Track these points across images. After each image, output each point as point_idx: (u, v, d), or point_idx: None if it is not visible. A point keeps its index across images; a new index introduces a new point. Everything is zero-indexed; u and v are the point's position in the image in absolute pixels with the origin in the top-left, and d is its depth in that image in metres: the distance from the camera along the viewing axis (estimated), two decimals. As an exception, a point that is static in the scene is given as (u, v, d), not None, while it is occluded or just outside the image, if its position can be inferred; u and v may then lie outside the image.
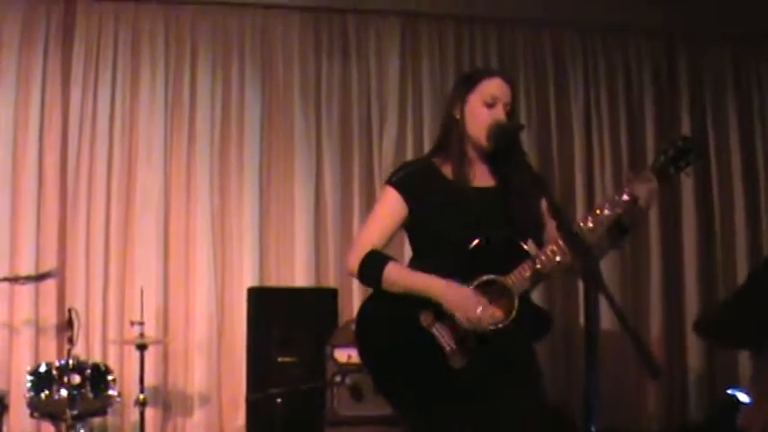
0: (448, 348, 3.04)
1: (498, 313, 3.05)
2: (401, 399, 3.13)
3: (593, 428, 2.58)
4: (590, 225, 3.00)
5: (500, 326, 3.03)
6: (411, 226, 3.25)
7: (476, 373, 3.04)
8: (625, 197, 3.00)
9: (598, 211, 3.02)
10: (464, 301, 3.01)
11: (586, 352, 2.58)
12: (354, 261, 3.18)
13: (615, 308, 2.47)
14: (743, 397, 5.34)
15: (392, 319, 3.14)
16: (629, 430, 6.84)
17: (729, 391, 5.87)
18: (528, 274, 3.04)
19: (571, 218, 3.03)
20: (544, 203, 3.21)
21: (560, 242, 3.00)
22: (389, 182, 3.27)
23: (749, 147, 7.63)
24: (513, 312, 3.04)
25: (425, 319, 3.07)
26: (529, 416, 3.15)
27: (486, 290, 3.06)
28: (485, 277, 3.06)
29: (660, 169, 3.01)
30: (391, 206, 3.23)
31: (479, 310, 2.99)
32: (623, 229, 3.05)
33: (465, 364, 3.03)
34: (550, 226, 3.16)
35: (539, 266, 3.03)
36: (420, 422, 3.19)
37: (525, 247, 3.11)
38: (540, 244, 3.18)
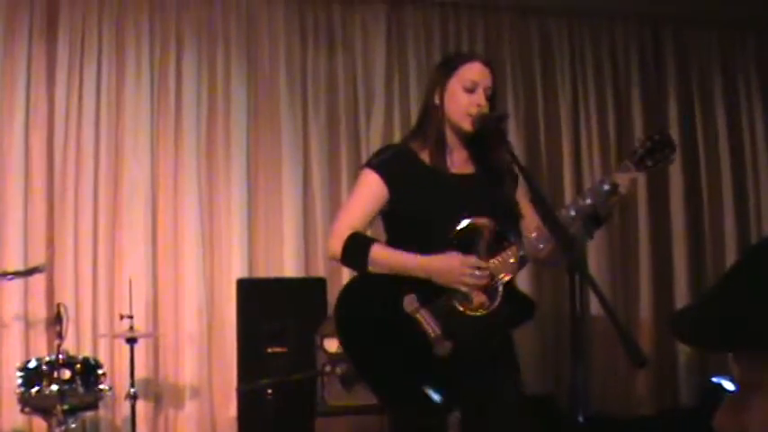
0: (432, 335, 3.04)
1: (482, 299, 3.05)
2: (384, 387, 3.12)
3: (580, 417, 2.58)
4: (572, 214, 3.00)
5: (485, 312, 3.03)
6: (389, 211, 3.23)
7: (459, 359, 3.04)
8: (606, 186, 3.01)
9: (581, 200, 3.03)
10: (457, 265, 3.00)
11: (572, 341, 2.58)
12: (337, 244, 3.16)
13: (600, 297, 2.48)
14: (728, 385, 5.35)
15: (373, 305, 3.13)
16: (618, 416, 6.85)
17: (714, 380, 5.89)
18: (512, 260, 3.04)
19: (554, 206, 3.03)
20: (520, 192, 3.22)
21: (540, 230, 3.01)
22: (370, 165, 3.25)
23: (736, 132, 7.65)
24: (498, 299, 3.04)
25: (409, 304, 3.06)
26: (513, 403, 3.15)
27: None
28: None
29: (638, 160, 3.04)
30: (372, 189, 3.21)
31: (474, 272, 2.99)
32: (597, 219, 3.07)
33: (449, 350, 3.03)
34: (528, 216, 3.17)
35: (521, 254, 3.03)
36: (403, 410, 3.19)
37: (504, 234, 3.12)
38: (518, 233, 3.19)
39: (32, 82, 6.66)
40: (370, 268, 3.11)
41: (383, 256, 3.10)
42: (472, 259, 3.02)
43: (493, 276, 3.04)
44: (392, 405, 3.21)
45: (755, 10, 7.31)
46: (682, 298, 7.30)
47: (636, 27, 7.62)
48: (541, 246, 3.03)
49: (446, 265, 3.01)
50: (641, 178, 6.19)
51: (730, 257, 7.35)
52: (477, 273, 3.00)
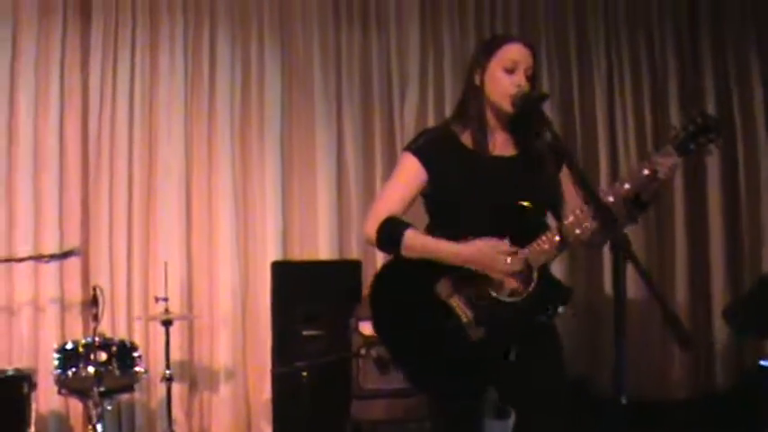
0: (465, 319, 3.02)
1: (516, 285, 3.03)
2: (416, 371, 3.10)
3: (623, 399, 2.55)
4: (610, 199, 2.95)
5: (519, 298, 3.00)
6: (429, 194, 3.21)
7: (494, 344, 3.01)
8: (646, 171, 2.96)
9: (619, 185, 2.98)
10: (489, 252, 2.98)
11: (615, 322, 2.54)
12: (372, 227, 3.13)
13: (645, 278, 2.43)
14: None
15: (408, 289, 3.11)
16: (655, 399, 6.80)
17: (763, 362, 5.84)
18: (547, 246, 3.01)
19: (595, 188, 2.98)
20: (564, 175, 3.18)
21: (579, 213, 2.97)
22: (409, 149, 3.22)
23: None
24: (533, 285, 3.01)
25: (443, 289, 3.04)
26: (548, 387, 3.12)
27: None
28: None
29: (680, 145, 2.97)
30: (410, 173, 3.18)
31: (509, 260, 2.96)
32: (641, 203, 3.01)
33: (482, 335, 3.00)
34: (570, 199, 3.13)
35: (559, 239, 3.00)
36: (438, 396, 3.17)
37: (543, 218, 3.09)
38: (558, 216, 3.15)
39: (66, 67, 6.68)
40: (404, 253, 3.09)
41: (416, 242, 3.08)
42: (504, 246, 2.99)
43: (528, 262, 3.01)
44: (423, 389, 3.19)
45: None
46: (719, 281, 7.21)
47: (672, 7, 7.51)
48: (578, 231, 2.99)
49: (479, 252, 2.99)
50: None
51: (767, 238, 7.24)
52: (509, 259, 2.97)
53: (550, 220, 3.18)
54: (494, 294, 3.02)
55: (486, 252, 2.98)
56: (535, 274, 3.01)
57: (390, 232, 3.10)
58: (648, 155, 3.00)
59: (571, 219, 3.00)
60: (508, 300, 3.01)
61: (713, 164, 7.28)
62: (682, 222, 7.27)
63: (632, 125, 7.34)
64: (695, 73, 7.48)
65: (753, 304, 5.35)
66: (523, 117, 3.12)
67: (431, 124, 6.86)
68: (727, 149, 7.32)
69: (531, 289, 3.01)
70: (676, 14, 7.52)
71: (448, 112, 6.76)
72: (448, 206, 3.15)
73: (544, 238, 3.01)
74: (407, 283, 3.11)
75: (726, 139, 7.25)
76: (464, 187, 3.11)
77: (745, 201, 7.38)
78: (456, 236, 3.04)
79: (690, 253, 7.26)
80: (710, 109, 7.18)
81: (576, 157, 2.96)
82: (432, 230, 3.15)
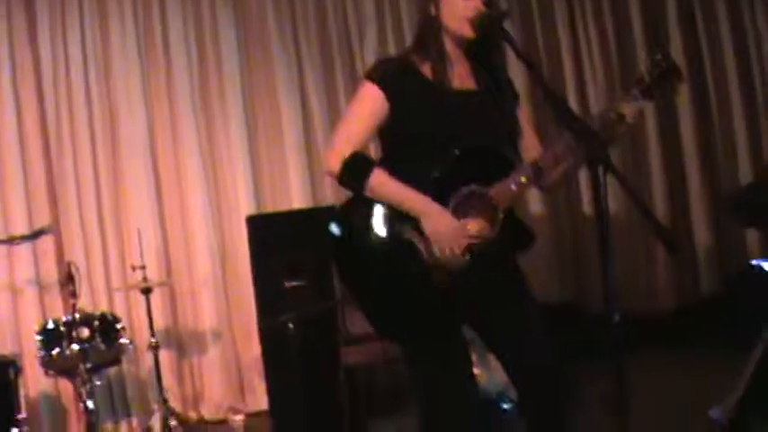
0: (430, 260, 2.94)
1: (482, 226, 2.96)
2: (383, 315, 3.03)
3: (616, 316, 2.51)
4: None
5: (483, 240, 2.95)
6: (389, 126, 3.08)
7: (458, 284, 2.95)
8: (612, 115, 2.91)
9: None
10: (446, 232, 2.91)
11: (600, 238, 2.49)
12: (336, 161, 3.01)
13: (626, 186, 2.40)
14: (768, 266, 5.31)
15: (370, 228, 3.02)
16: (644, 312, 6.80)
17: (755, 262, 5.83)
18: (513, 187, 2.94)
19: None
20: (521, 111, 3.13)
21: (546, 152, 2.91)
22: (370, 78, 3.08)
23: (740, 34, 7.30)
24: (497, 226, 2.95)
25: (407, 230, 2.96)
26: (523, 325, 3.08)
27: (467, 203, 2.97)
28: (467, 189, 2.96)
29: (645, 89, 2.93)
30: (373, 104, 3.06)
31: (457, 247, 2.90)
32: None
33: (446, 276, 2.94)
34: (526, 134, 3.08)
35: (524, 180, 2.94)
36: (405, 341, 3.12)
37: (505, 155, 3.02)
38: (516, 150, 3.09)
39: (15, 47, 6.56)
40: (367, 193, 3.00)
41: (381, 184, 2.98)
42: (470, 229, 2.92)
43: (493, 203, 2.94)
44: (387, 333, 3.11)
45: None
46: (696, 189, 7.17)
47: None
48: (547, 169, 2.94)
49: (440, 224, 2.91)
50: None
51: (743, 167, 7.16)
52: (456, 249, 2.90)
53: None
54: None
55: (447, 230, 2.91)
56: (500, 215, 2.95)
57: (356, 170, 3.00)
58: (615, 98, 2.96)
59: (543, 155, 2.95)
60: (475, 242, 2.95)
61: (683, 93, 7.15)
62: (655, 137, 7.19)
63: (598, 60, 7.21)
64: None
65: (761, 195, 5.28)
66: (485, 42, 3.03)
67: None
68: (696, 77, 7.21)
69: (495, 230, 2.95)
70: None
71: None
72: (410, 141, 3.05)
73: (511, 178, 2.94)
74: (370, 222, 3.02)
75: (693, 67, 7.15)
76: (428, 122, 3.02)
77: (716, 112, 7.28)
78: (415, 172, 2.96)
79: (665, 165, 7.20)
80: (675, 36, 7.10)
81: (545, 78, 2.89)
82: (387, 165, 3.03)
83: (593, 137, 2.62)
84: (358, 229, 3.03)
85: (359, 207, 3.03)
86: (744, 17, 7.32)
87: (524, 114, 3.19)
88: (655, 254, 7.07)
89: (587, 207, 7.03)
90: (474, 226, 2.96)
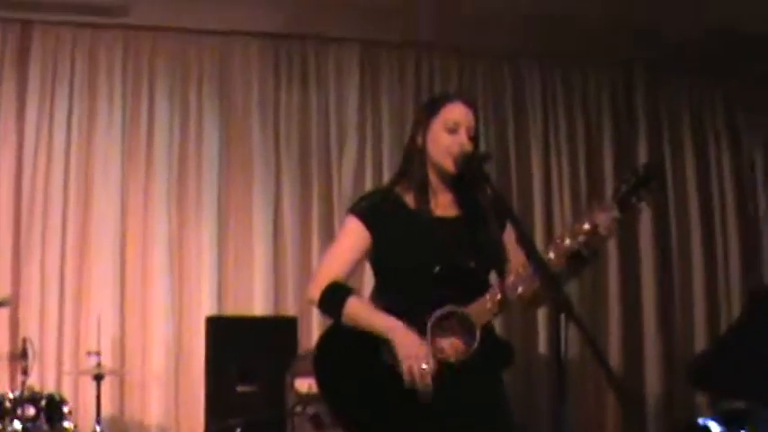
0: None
1: (460, 346, 3.02)
2: None
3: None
4: (551, 255, 2.96)
5: (462, 359, 2.99)
6: (373, 257, 3.20)
7: (441, 406, 2.99)
8: (586, 226, 2.97)
9: (559, 241, 2.99)
10: (410, 353, 2.95)
11: (558, 383, 2.55)
12: (315, 291, 3.11)
13: (588, 337, 2.46)
14: (715, 427, 5.35)
15: (352, 353, 3.08)
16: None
17: (701, 421, 5.87)
18: (489, 305, 3.01)
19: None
20: (507, 234, 3.19)
21: (521, 272, 2.97)
22: (352, 211, 3.20)
23: (705, 178, 7.67)
24: (476, 344, 3.00)
25: (388, 354, 3.02)
26: None
27: (445, 323, 3.02)
28: (444, 309, 3.01)
29: (622, 198, 2.97)
30: (354, 236, 3.17)
31: (424, 366, 2.95)
32: (582, 258, 3.02)
33: (430, 396, 2.98)
34: (514, 257, 3.13)
35: (499, 297, 3.00)
36: None
37: (487, 277, 3.09)
38: (502, 275, 3.15)
39: (1, 117, 6.61)
40: (344, 321, 3.07)
41: (356, 312, 3.05)
42: (443, 348, 2.98)
43: (471, 321, 3.00)
44: None
45: (722, 61, 7.40)
46: (651, 341, 7.29)
47: (608, 72, 7.68)
48: (520, 289, 2.99)
49: (404, 344, 2.94)
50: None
51: (699, 303, 7.38)
52: (424, 365, 2.95)
53: (494, 279, 3.18)
54: (438, 356, 3.01)
55: (415, 347, 2.95)
56: (478, 333, 3.00)
57: (332, 299, 3.09)
58: (588, 210, 3.01)
59: (512, 278, 3.01)
60: (452, 360, 3.00)
61: (645, 227, 7.41)
62: (616, 284, 7.34)
63: (567, 187, 7.43)
64: (629, 134, 7.64)
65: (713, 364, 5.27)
66: (466, 177, 3.13)
67: (368, 183, 6.94)
68: (659, 213, 7.46)
69: (474, 348, 3.00)
70: (613, 82, 7.69)
71: (386, 170, 6.84)
72: (392, 269, 3.14)
73: (487, 296, 3.01)
74: (352, 346, 3.08)
75: (658, 203, 7.39)
76: (407, 250, 3.10)
77: (676, 264, 7.49)
78: (401, 299, 3.03)
79: (623, 316, 7.32)
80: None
81: (517, 216, 2.98)
82: (378, 294, 3.13)
83: (559, 285, 2.70)
84: (343, 350, 3.09)
85: (344, 330, 3.09)
86: (710, 155, 7.71)
87: (511, 238, 3.16)
88: (605, 400, 7.10)
89: (543, 346, 7.07)
90: (447, 345, 3.01)
